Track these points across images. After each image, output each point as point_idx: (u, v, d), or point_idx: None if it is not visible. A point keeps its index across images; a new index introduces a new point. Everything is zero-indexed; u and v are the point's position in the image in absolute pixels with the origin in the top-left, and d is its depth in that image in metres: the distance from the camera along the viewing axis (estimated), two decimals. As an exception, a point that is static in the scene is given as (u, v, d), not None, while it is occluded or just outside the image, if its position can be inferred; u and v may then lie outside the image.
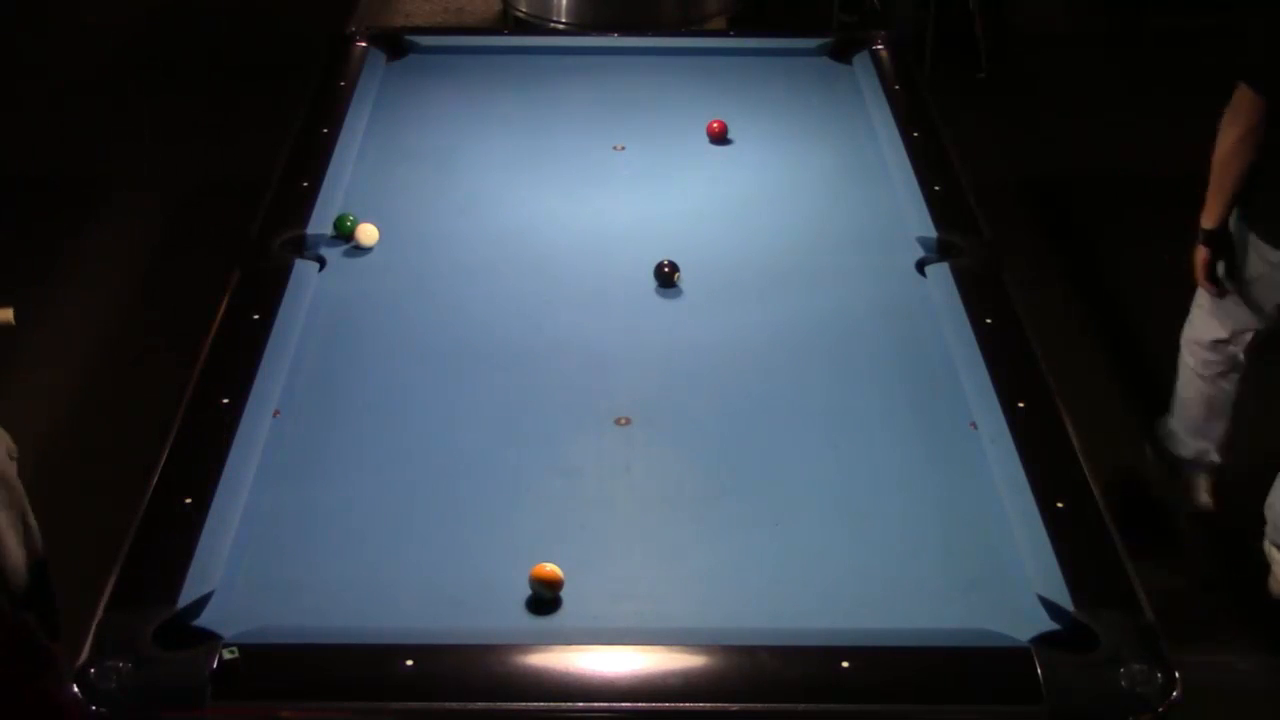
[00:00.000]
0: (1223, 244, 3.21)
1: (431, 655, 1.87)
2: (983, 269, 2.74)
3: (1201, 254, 3.24)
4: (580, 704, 1.83)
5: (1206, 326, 3.39)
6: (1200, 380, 3.44)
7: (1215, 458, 3.53)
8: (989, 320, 2.57)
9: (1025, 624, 1.94)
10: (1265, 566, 3.37)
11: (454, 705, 1.83)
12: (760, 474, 2.27)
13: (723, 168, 3.20)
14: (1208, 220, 3.21)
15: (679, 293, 2.74)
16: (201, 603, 1.95)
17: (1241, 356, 3.37)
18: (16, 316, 2.51)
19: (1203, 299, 3.40)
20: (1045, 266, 4.55)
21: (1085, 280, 4.56)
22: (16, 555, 2.45)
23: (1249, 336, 3.34)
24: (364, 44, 3.62)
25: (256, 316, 2.55)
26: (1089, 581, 2.00)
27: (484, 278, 2.79)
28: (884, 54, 3.60)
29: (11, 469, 2.51)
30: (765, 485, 2.25)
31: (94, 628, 1.88)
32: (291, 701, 1.85)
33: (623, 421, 2.38)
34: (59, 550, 2.76)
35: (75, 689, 1.80)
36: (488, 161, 3.21)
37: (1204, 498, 3.56)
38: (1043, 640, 1.90)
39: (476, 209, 3.02)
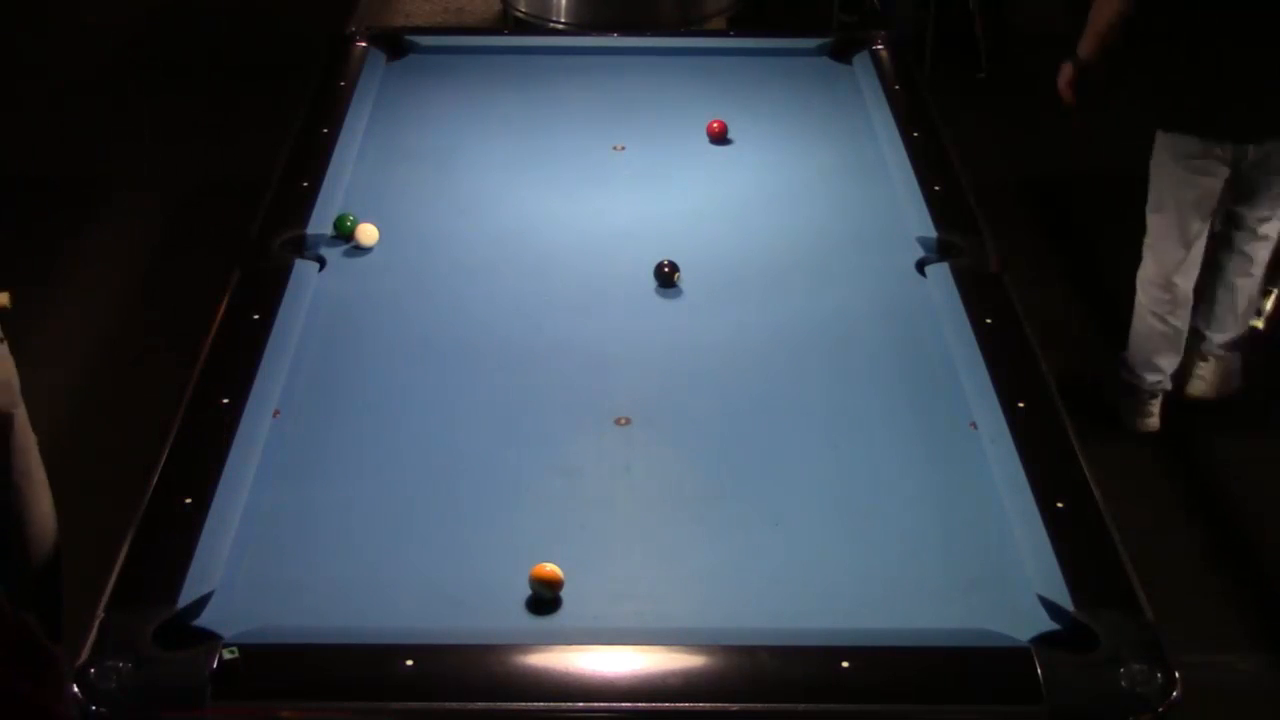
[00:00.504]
0: (1087, 70, 3.70)
1: (431, 655, 1.87)
2: (983, 269, 2.74)
3: (1067, 69, 3.76)
4: (580, 704, 1.83)
5: (1157, 263, 3.70)
6: (1151, 317, 3.74)
7: (1166, 385, 3.83)
8: (989, 320, 2.57)
9: (1025, 624, 1.94)
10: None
11: (454, 705, 1.83)
12: (760, 474, 2.27)
13: (723, 168, 3.20)
14: (1081, 51, 3.70)
15: (679, 293, 2.74)
16: (201, 603, 1.95)
17: (1190, 293, 3.70)
18: (13, 301, 2.54)
19: (1151, 238, 3.71)
20: (1045, 266, 4.55)
21: (1085, 280, 4.55)
22: (45, 530, 2.49)
23: (1195, 270, 3.67)
24: (364, 44, 3.62)
25: (256, 316, 2.55)
26: (1089, 581, 2.00)
27: (484, 278, 2.79)
28: (884, 54, 3.60)
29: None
30: (765, 485, 2.25)
31: (94, 628, 1.88)
32: (291, 701, 1.85)
33: (623, 421, 2.38)
34: (59, 549, 2.76)
35: (75, 689, 1.80)
36: (488, 161, 3.21)
37: (1152, 421, 3.86)
38: (1043, 640, 1.90)
39: (476, 209, 3.02)
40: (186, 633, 1.89)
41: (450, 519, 2.17)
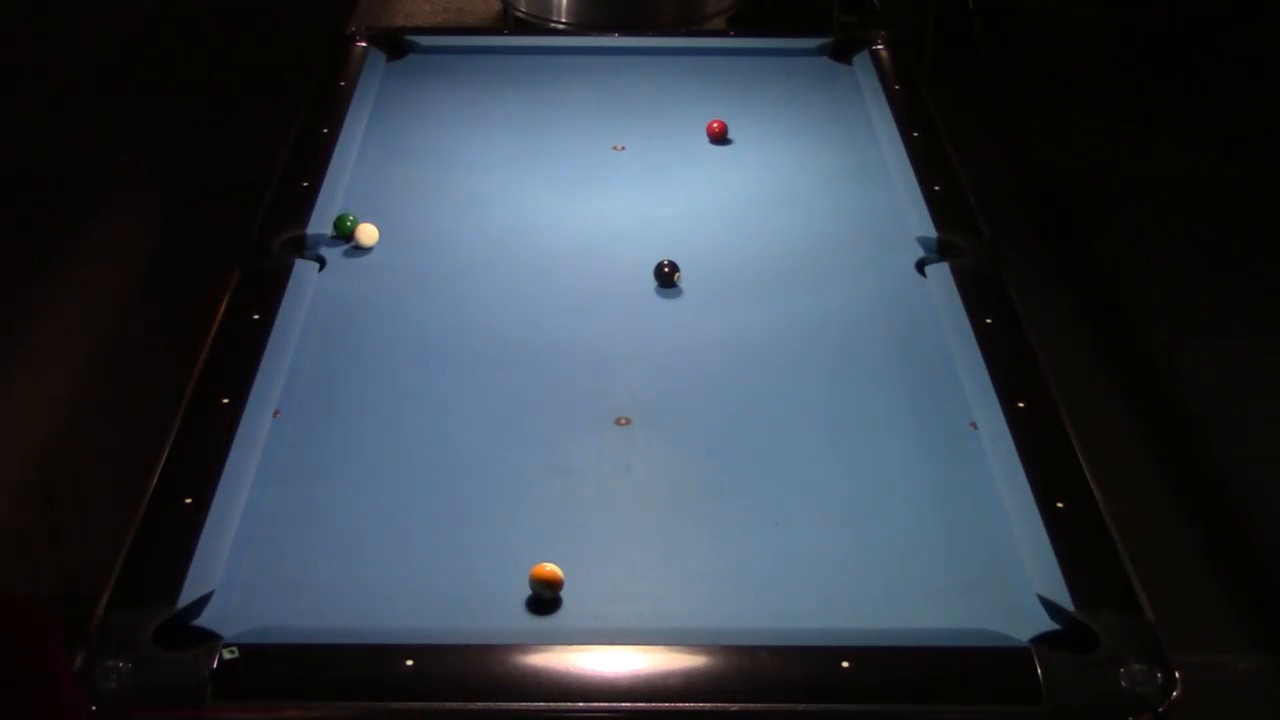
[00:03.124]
0: None
1: (431, 655, 1.87)
2: (983, 269, 2.74)
3: None
4: (580, 704, 1.83)
5: None
6: None
7: None
8: (989, 320, 2.57)
9: (1025, 624, 1.94)
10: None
11: (454, 705, 1.83)
12: (760, 474, 2.27)
13: (723, 168, 3.20)
14: None
15: (679, 293, 2.74)
16: (201, 603, 1.95)
17: None
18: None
19: None
20: (1045, 266, 4.55)
21: (1085, 280, 4.55)
22: None
23: None
24: (364, 44, 3.61)
25: (256, 316, 2.55)
26: (1089, 581, 2.00)
27: (484, 278, 2.79)
28: (884, 54, 3.60)
29: None
30: (765, 485, 2.25)
31: (94, 628, 1.88)
32: (291, 701, 1.85)
33: (623, 421, 2.38)
34: (59, 550, 2.76)
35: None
36: (488, 161, 3.21)
37: None
38: (1043, 640, 1.90)
39: (476, 209, 3.02)
40: (186, 633, 1.89)
41: (450, 519, 2.17)
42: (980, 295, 2.65)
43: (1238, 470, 3.66)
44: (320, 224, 2.87)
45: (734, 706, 1.83)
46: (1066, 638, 1.91)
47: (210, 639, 1.87)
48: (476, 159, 3.22)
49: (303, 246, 2.80)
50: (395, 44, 3.67)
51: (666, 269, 2.74)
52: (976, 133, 4.70)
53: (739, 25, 4.90)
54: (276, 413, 2.37)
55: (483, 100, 3.47)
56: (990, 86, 5.66)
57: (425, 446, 2.33)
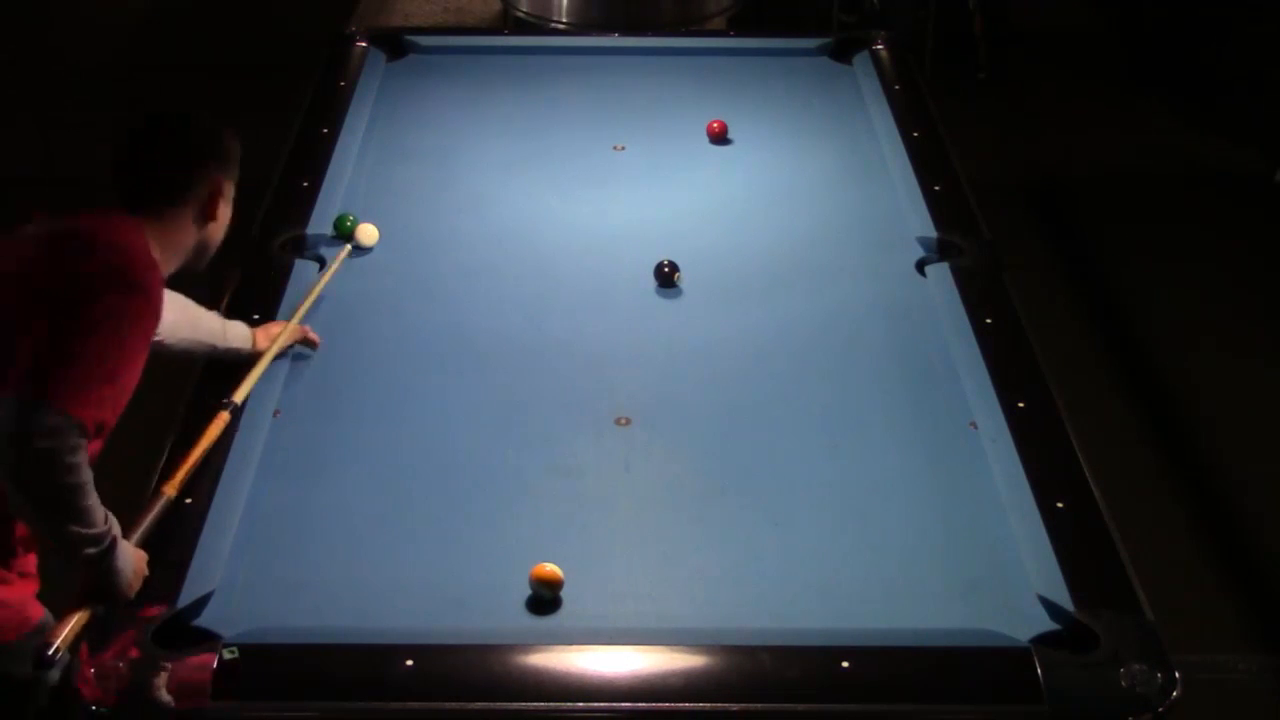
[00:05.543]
0: None
1: (431, 655, 1.87)
2: (983, 269, 2.74)
3: None
4: (580, 704, 1.83)
5: None
6: None
7: None
8: (989, 320, 2.57)
9: (1025, 624, 1.94)
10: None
11: (454, 705, 1.83)
12: (760, 474, 2.27)
13: (723, 168, 3.20)
14: None
15: (679, 293, 2.74)
16: (201, 603, 1.95)
17: None
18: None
19: None
20: (1045, 266, 4.55)
21: (1085, 280, 4.55)
22: None
23: None
24: (364, 44, 3.61)
25: (256, 316, 2.55)
26: (1089, 581, 2.00)
27: (484, 278, 2.79)
28: (884, 54, 3.60)
29: None
30: (765, 485, 2.25)
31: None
32: (292, 701, 1.85)
33: (623, 421, 2.38)
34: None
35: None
36: (488, 161, 3.20)
37: None
38: (1043, 640, 1.90)
39: (477, 209, 3.02)
40: (186, 633, 1.89)
41: (450, 519, 2.17)
42: (980, 295, 2.65)
43: (1238, 470, 3.66)
44: (320, 224, 2.87)
45: (734, 706, 1.83)
46: (1066, 638, 1.91)
47: (210, 639, 1.87)
48: (476, 159, 3.22)
49: (303, 246, 2.80)
50: (395, 44, 3.67)
51: (666, 269, 2.74)
52: (976, 133, 4.69)
53: (739, 25, 4.90)
54: (276, 413, 2.37)
55: (483, 100, 3.47)
56: (990, 86, 5.66)
57: (425, 446, 2.33)
